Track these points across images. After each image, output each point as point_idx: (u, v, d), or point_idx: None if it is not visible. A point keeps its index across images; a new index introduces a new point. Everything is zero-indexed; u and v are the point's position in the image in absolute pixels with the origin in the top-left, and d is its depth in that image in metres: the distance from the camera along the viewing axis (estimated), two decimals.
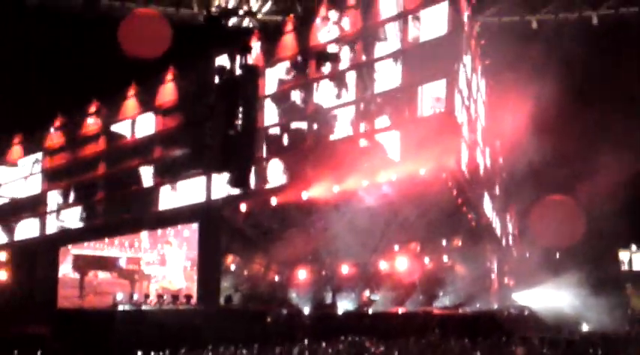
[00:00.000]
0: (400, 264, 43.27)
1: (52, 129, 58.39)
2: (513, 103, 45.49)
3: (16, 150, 61.07)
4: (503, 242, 53.04)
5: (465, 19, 43.42)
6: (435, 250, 44.11)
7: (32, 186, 59.32)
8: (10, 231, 59.76)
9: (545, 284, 48.19)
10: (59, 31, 54.97)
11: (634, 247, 64.37)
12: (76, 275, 52.73)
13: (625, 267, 64.09)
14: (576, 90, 47.27)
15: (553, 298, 46.20)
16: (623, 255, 64.36)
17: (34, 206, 58.60)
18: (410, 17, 41.39)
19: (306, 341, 31.46)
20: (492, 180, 52.19)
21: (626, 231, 54.33)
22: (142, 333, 32.42)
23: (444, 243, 44.08)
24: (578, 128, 48.63)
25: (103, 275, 53.00)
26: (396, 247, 43.78)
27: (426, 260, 44.25)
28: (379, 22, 42.73)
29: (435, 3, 40.43)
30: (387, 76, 41.97)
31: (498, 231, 51.90)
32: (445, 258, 44.42)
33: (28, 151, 60.39)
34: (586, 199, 42.43)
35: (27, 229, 58.78)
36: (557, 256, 52.65)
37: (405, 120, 40.23)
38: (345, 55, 44.06)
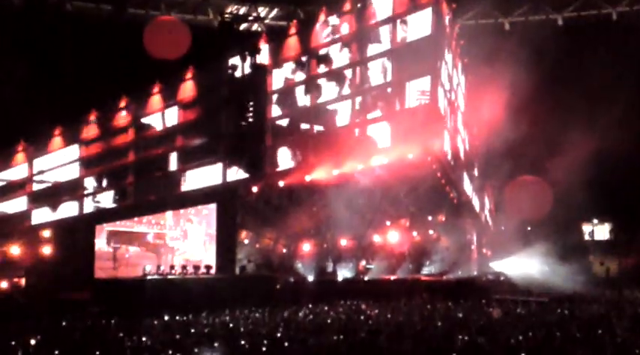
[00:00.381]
0: (392, 237, 43.47)
1: (87, 123, 58.46)
2: (489, 95, 45.54)
3: (57, 141, 61.14)
4: (482, 217, 53.15)
5: (447, 22, 43.46)
6: (422, 225, 44.28)
7: (71, 172, 59.44)
8: (53, 212, 59.96)
9: (518, 254, 48.28)
10: (92, 36, 55.02)
11: (595, 220, 64.40)
12: (110, 249, 52.86)
13: (587, 238, 64.13)
14: (544, 82, 47.24)
15: (525, 265, 46.31)
16: (586, 228, 64.41)
17: (73, 189, 58.77)
18: (398, 21, 41.46)
19: (310, 305, 31.63)
20: (471, 163, 52.25)
21: (589, 206, 54.40)
22: (169, 299, 32.50)
23: (429, 218, 44.22)
24: (545, 115, 48.67)
25: (133, 249, 53.09)
26: (388, 222, 43.96)
27: (414, 233, 44.41)
28: (371, 26, 42.81)
29: (420, 9, 40.50)
30: (379, 72, 42.06)
31: (477, 208, 52.00)
32: (431, 232, 44.55)
33: (66, 142, 60.47)
34: (553, 178, 42.52)
35: (67, 210, 58.97)
36: (528, 229, 52.70)
37: (395, 112, 40.35)
38: (343, 55, 44.14)
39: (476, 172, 54.04)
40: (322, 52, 44.88)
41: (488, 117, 46.00)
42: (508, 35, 55.00)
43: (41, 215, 61.38)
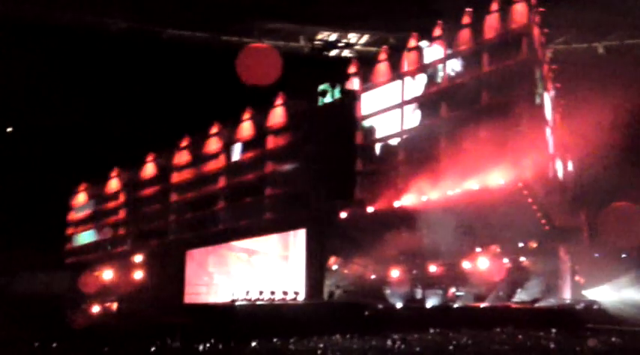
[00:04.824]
0: (482, 263, 42.93)
1: (179, 149, 59.29)
2: (583, 119, 44.87)
3: (149, 167, 62.13)
4: (575, 244, 52.20)
5: (538, 46, 43.10)
6: (513, 251, 43.64)
7: (162, 197, 60.25)
8: (145, 237, 60.79)
9: (613, 282, 47.20)
10: (187, 63, 56.08)
11: None
12: (199, 274, 53.37)
13: None
14: None
15: (620, 294, 45.26)
16: None
17: (164, 215, 59.57)
18: (490, 46, 41.36)
19: (399, 332, 31.40)
20: (564, 188, 51.43)
21: None
22: (257, 324, 32.69)
23: (520, 244, 43.57)
24: None
25: (222, 274, 53.52)
26: (478, 249, 43.51)
27: (505, 260, 43.81)
28: (462, 51, 42.76)
29: (512, 34, 40.36)
30: (472, 97, 41.93)
31: (570, 234, 51.14)
32: (522, 258, 43.90)
33: (159, 168, 61.38)
34: None
35: (158, 235, 59.70)
36: (623, 256, 51.48)
37: (485, 136, 40.00)
38: (435, 79, 44.14)
39: (568, 197, 53.18)
40: (413, 76, 44.97)
41: (583, 141, 45.28)
42: (602, 59, 54.21)
43: (133, 240, 62.36)
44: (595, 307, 42.46)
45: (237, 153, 54.74)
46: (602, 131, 42.14)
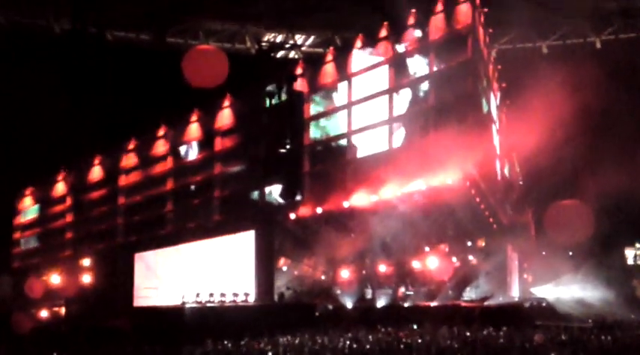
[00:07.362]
0: (431, 262, 43.10)
1: (126, 151, 58.77)
2: (528, 119, 45.26)
3: (96, 169, 61.52)
4: (522, 242, 52.69)
5: (483, 46, 43.35)
6: (462, 250, 43.91)
7: (110, 200, 59.70)
8: (93, 240, 60.19)
9: (560, 279, 47.75)
10: (132, 65, 55.64)
11: (639, 244, 63.39)
12: (149, 277, 52.83)
13: (631, 262, 63.04)
14: (584, 105, 46.90)
15: (567, 291, 45.78)
16: (629, 252, 63.29)
17: (112, 218, 59.02)
18: (435, 47, 41.45)
19: (349, 332, 31.40)
20: (510, 187, 51.87)
21: (632, 230, 53.81)
22: (208, 327, 32.46)
23: (469, 243, 43.85)
24: (586, 138, 48.19)
25: (171, 276, 53.07)
26: (427, 248, 43.69)
27: (454, 259, 44.04)
28: (408, 52, 42.81)
29: (457, 34, 40.45)
30: (418, 97, 42.04)
31: (517, 233, 51.59)
32: (470, 257, 44.17)
33: (106, 170, 60.80)
34: (594, 202, 42.04)
35: (107, 238, 59.14)
36: (570, 254, 52.13)
37: (432, 136, 40.10)
38: (380, 81, 44.10)
39: (515, 197, 53.61)
40: (360, 78, 44.93)
41: (528, 141, 45.72)
42: (546, 59, 54.79)
43: (81, 243, 61.69)
44: (543, 304, 42.93)
45: (185, 154, 54.40)
46: (547, 130, 42.55)
